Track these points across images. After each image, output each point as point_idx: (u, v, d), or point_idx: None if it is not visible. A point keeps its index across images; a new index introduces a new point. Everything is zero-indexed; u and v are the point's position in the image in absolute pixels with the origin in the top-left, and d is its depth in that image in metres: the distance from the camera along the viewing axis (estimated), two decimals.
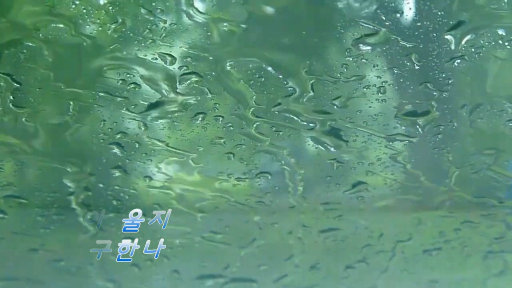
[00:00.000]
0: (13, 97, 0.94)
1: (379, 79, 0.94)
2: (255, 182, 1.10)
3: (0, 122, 0.98)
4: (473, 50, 0.90)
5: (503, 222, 1.19)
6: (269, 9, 0.89)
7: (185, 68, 0.93)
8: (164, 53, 0.91)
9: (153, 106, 0.97)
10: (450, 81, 0.94)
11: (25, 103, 0.96)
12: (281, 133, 1.01)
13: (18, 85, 0.93)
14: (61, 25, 0.87)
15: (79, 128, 1.01)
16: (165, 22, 0.88)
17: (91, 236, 1.17)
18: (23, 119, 0.98)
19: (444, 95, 0.96)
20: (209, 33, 0.89)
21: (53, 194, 1.12)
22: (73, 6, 0.86)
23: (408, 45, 0.90)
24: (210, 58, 0.92)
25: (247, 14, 0.88)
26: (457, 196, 1.12)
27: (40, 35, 0.88)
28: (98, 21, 0.87)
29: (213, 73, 0.93)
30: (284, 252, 1.23)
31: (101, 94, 0.95)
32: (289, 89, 0.95)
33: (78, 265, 1.24)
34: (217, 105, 0.97)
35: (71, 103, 0.97)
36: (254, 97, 0.96)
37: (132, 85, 0.94)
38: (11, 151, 1.04)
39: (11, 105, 0.95)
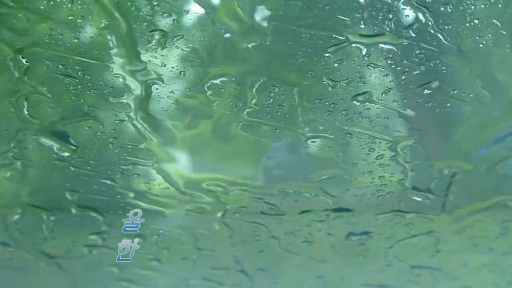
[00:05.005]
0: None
1: (379, 80, 0.94)
2: (255, 183, 1.10)
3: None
4: (474, 47, 0.90)
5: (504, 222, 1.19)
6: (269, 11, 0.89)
7: (185, 69, 0.93)
8: (166, 56, 0.91)
9: (152, 106, 0.97)
10: (450, 83, 0.94)
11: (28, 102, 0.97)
12: (280, 134, 1.01)
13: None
14: (62, 29, 0.88)
15: (80, 130, 1.01)
16: (166, 25, 0.88)
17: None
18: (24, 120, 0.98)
19: (444, 95, 0.96)
20: (212, 36, 0.90)
21: (53, 195, 1.12)
22: (73, 9, 0.86)
23: (408, 46, 0.90)
24: (213, 61, 0.92)
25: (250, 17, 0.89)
26: (457, 196, 1.12)
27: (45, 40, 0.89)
28: (99, 24, 0.87)
29: (215, 75, 0.94)
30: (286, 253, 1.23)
31: (101, 95, 0.95)
32: (289, 90, 0.95)
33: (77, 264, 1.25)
34: (218, 105, 0.97)
35: (73, 105, 0.97)
36: (255, 98, 0.96)
37: (133, 87, 0.94)
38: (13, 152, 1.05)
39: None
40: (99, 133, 1.01)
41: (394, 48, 0.90)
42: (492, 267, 1.27)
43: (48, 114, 0.98)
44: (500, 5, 0.86)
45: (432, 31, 0.88)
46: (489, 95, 0.96)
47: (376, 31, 0.89)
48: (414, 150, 1.05)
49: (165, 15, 0.87)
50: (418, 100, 0.97)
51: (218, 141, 1.04)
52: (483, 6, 0.86)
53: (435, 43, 0.89)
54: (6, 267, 1.26)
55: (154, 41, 0.89)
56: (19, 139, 1.02)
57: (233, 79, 0.94)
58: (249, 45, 0.90)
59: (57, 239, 1.20)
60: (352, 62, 0.92)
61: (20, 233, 1.19)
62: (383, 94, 0.95)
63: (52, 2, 0.85)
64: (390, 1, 0.86)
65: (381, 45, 0.90)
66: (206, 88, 0.94)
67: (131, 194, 1.12)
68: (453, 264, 1.26)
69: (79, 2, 0.85)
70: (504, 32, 0.88)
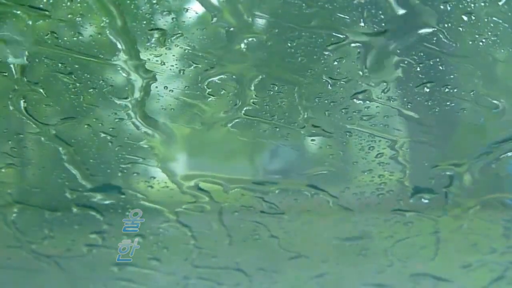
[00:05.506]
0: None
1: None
2: (254, 181, 1.10)
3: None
4: (472, 46, 0.90)
5: (504, 222, 1.19)
6: (269, 10, 0.89)
7: (184, 67, 0.93)
8: (165, 54, 0.91)
9: (152, 105, 0.97)
10: (451, 81, 0.94)
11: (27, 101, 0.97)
12: (279, 132, 1.01)
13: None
14: (61, 27, 0.88)
15: (80, 129, 1.01)
16: (165, 23, 0.88)
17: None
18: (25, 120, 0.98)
19: (444, 94, 0.95)
20: (211, 34, 0.90)
21: (53, 194, 1.12)
22: (73, 7, 0.86)
23: (408, 46, 0.90)
24: (212, 59, 0.92)
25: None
26: (457, 195, 1.12)
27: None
28: (100, 23, 0.87)
29: (214, 73, 0.94)
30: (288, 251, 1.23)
31: (102, 95, 0.95)
32: (289, 88, 0.95)
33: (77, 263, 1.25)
34: (218, 103, 0.97)
35: (73, 103, 0.97)
36: (254, 96, 0.96)
37: (132, 85, 0.94)
38: (12, 151, 1.05)
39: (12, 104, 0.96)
40: (98, 131, 1.01)
41: (395, 47, 0.90)
42: (492, 267, 1.27)
43: (47, 113, 0.99)
44: (500, 3, 0.86)
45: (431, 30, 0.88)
46: (490, 94, 0.96)
47: (375, 30, 0.89)
48: (414, 148, 1.05)
49: (165, 13, 0.87)
50: (418, 99, 0.97)
51: (217, 140, 1.04)
52: (482, 4, 0.86)
53: (434, 41, 0.89)
54: (5, 267, 1.26)
55: (153, 39, 0.89)
56: (18, 138, 1.02)
57: (233, 77, 0.94)
58: (249, 43, 0.90)
59: (57, 239, 1.20)
60: (351, 60, 0.92)
61: (20, 232, 1.19)
62: (383, 93, 0.95)
63: (51, 0, 0.85)
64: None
65: (380, 44, 0.90)
66: (205, 86, 0.95)
67: (131, 193, 1.11)
68: (453, 264, 1.26)
69: (78, 0, 0.85)
70: (505, 30, 0.88)
